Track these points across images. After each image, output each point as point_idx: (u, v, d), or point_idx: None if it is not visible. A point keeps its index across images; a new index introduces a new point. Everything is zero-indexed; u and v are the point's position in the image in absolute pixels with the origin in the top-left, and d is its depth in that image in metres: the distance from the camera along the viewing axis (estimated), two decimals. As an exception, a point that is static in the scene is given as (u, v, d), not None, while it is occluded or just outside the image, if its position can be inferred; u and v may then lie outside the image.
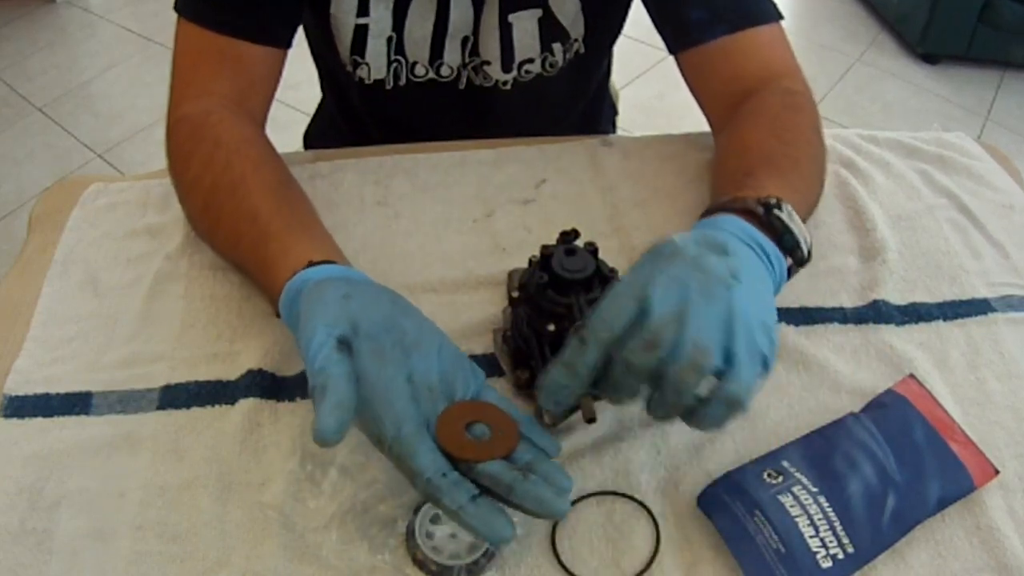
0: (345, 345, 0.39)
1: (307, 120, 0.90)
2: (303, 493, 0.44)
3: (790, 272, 0.46)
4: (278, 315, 0.47)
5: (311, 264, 0.45)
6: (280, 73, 0.62)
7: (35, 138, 1.93)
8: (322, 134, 0.86)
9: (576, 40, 0.67)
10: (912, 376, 0.50)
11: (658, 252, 0.39)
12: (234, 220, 0.51)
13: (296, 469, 0.45)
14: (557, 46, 0.66)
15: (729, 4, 0.59)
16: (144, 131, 1.90)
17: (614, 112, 0.90)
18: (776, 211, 0.45)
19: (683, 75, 0.64)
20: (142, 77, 2.08)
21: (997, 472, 0.45)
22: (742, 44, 0.59)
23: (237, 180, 0.52)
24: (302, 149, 0.88)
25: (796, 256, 0.45)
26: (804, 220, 0.48)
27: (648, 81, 2.00)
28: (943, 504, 0.44)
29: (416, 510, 0.42)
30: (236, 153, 0.54)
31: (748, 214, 0.45)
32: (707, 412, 0.37)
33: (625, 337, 0.36)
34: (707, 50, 0.60)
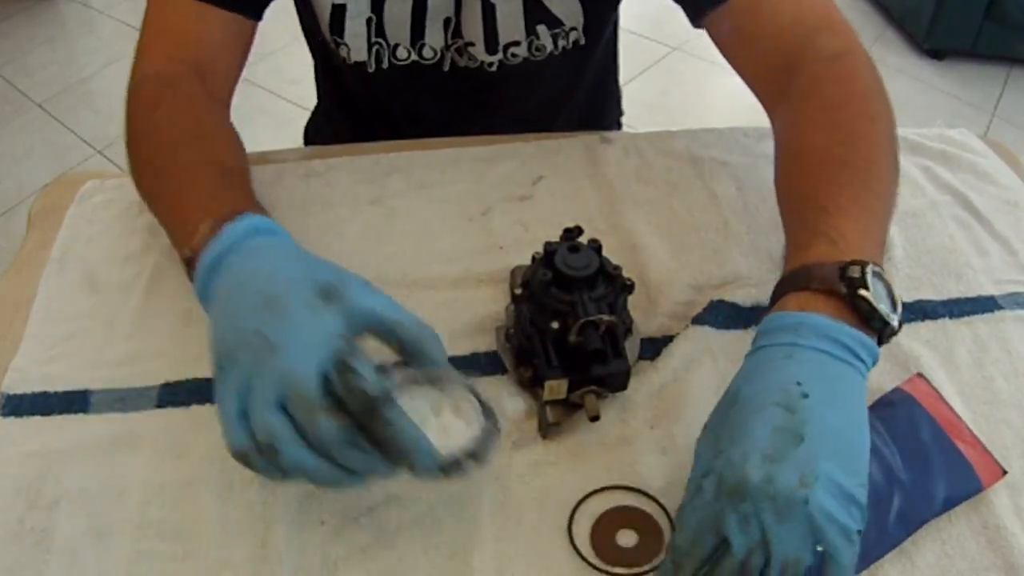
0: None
1: (307, 115, 0.89)
2: (310, 496, 0.44)
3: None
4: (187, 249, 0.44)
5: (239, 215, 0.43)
6: (247, 49, 0.62)
7: (34, 134, 1.92)
8: (320, 130, 0.86)
9: (575, 28, 0.66)
10: (920, 375, 0.50)
11: (721, 484, 0.36)
12: (199, 163, 0.50)
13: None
14: (543, 29, 0.65)
15: None
16: (144, 127, 1.90)
17: (620, 112, 0.89)
18: (863, 291, 0.40)
19: (719, 50, 0.60)
20: None
21: (1005, 472, 0.45)
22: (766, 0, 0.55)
23: (208, 132, 0.53)
24: (302, 145, 0.88)
25: (884, 334, 0.41)
26: (886, 233, 0.45)
27: (651, 78, 2.00)
28: (950, 504, 0.43)
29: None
30: (208, 114, 0.55)
31: (829, 296, 0.41)
32: None
33: (713, 563, 0.37)
34: (728, 12, 0.56)
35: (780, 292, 0.43)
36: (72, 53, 2.20)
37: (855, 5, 2.40)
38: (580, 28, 0.66)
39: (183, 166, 0.50)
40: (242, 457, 0.36)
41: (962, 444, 0.46)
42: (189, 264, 0.43)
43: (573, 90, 0.76)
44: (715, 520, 0.36)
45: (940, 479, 0.44)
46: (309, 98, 0.84)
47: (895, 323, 0.41)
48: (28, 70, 2.12)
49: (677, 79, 2.04)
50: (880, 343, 0.42)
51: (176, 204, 0.48)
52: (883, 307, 0.40)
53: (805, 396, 0.37)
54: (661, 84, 1.99)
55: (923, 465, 0.44)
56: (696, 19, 0.61)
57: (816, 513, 0.35)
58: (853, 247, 0.43)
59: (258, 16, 0.61)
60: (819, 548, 0.36)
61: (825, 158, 0.49)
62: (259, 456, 0.35)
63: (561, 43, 0.66)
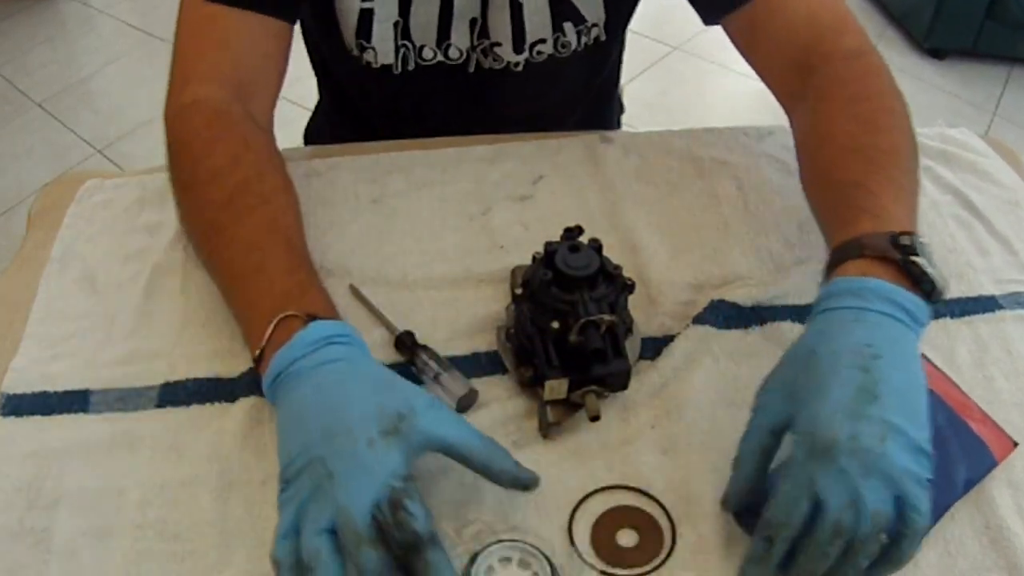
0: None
1: (307, 115, 0.89)
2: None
3: None
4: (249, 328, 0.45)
5: (310, 319, 0.43)
6: (287, 55, 0.60)
7: (34, 134, 1.92)
8: (320, 130, 0.86)
9: (596, 25, 0.66)
10: (924, 357, 0.50)
11: (813, 445, 0.39)
12: (263, 231, 0.49)
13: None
14: (568, 26, 0.65)
15: None
16: (144, 126, 1.90)
17: (621, 110, 0.90)
18: (913, 256, 0.43)
19: (735, 45, 0.62)
20: (142, 72, 2.08)
21: (1016, 444, 0.46)
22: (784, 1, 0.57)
23: (269, 193, 0.51)
24: (302, 145, 0.88)
25: (932, 298, 0.44)
26: (917, 213, 0.48)
27: (651, 77, 2.00)
28: (969, 486, 0.44)
29: (471, 562, 0.41)
30: (268, 163, 0.53)
31: (884, 262, 0.44)
32: (905, 550, 0.38)
33: (806, 531, 0.38)
34: (747, 13, 0.58)
35: (836, 262, 0.46)
36: (72, 52, 2.20)
37: (856, 4, 2.40)
38: (601, 24, 0.66)
39: (249, 240, 0.48)
40: (276, 566, 0.38)
41: (973, 423, 0.46)
42: (256, 361, 0.44)
43: (590, 87, 0.76)
44: (809, 483, 0.38)
45: (959, 463, 0.44)
46: (309, 97, 0.84)
47: (943, 285, 0.44)
48: (28, 69, 2.12)
49: (677, 79, 2.04)
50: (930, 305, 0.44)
51: (242, 288, 0.48)
52: (932, 271, 0.43)
53: (876, 357, 0.40)
54: (661, 84, 1.98)
55: (941, 450, 0.44)
56: (711, 19, 0.62)
57: (895, 464, 0.38)
58: (895, 220, 0.46)
59: (293, 18, 0.60)
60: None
61: (854, 145, 0.51)
62: (292, 572, 0.37)
63: (584, 39, 0.66)
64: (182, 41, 0.58)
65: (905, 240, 0.44)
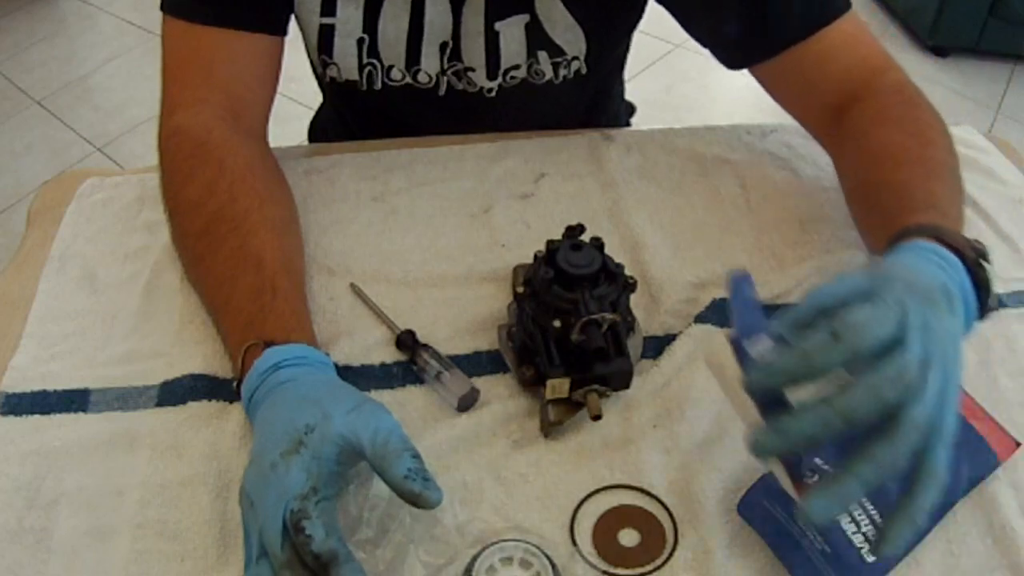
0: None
1: (308, 113, 0.89)
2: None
3: None
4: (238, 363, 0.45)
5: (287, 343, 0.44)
6: (279, 67, 0.60)
7: (34, 131, 1.92)
8: (324, 128, 0.85)
9: (576, 58, 0.64)
10: None
11: (912, 284, 0.36)
12: (235, 260, 0.49)
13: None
14: (543, 55, 0.63)
15: (786, 8, 0.54)
16: (144, 124, 1.90)
17: (631, 110, 0.88)
18: (983, 261, 0.42)
19: (765, 88, 0.60)
20: (142, 70, 2.07)
21: (1019, 444, 0.46)
22: (824, 45, 0.55)
23: (241, 215, 0.50)
24: (306, 142, 0.88)
25: (984, 312, 0.43)
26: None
27: (655, 74, 1.99)
28: (973, 483, 0.44)
29: (472, 561, 0.41)
30: (241, 183, 0.52)
31: (957, 252, 0.42)
32: (917, 494, 0.34)
33: (872, 358, 0.34)
34: (785, 59, 0.56)
35: (909, 234, 0.44)
36: (72, 50, 2.20)
37: (859, 2, 2.38)
38: (582, 58, 0.65)
39: (219, 272, 0.49)
40: None
41: (975, 422, 0.46)
42: (238, 394, 0.46)
43: (571, 113, 0.74)
44: (901, 309, 0.34)
45: (962, 461, 0.44)
46: (309, 95, 0.83)
47: (993, 303, 0.43)
48: (27, 67, 2.12)
49: (680, 76, 2.03)
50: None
51: (218, 320, 0.50)
52: (994, 283, 0.42)
53: (952, 300, 0.39)
54: (664, 81, 1.98)
55: None
56: (740, 66, 0.60)
57: (953, 382, 0.35)
58: (958, 224, 0.46)
59: (284, 31, 0.59)
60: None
61: (910, 158, 0.51)
62: None
63: (563, 72, 0.65)
64: (168, 66, 0.57)
65: (979, 245, 0.43)
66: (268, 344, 0.44)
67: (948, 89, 2.07)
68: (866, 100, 0.55)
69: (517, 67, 0.64)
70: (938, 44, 2.16)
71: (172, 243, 0.55)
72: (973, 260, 0.42)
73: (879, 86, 0.56)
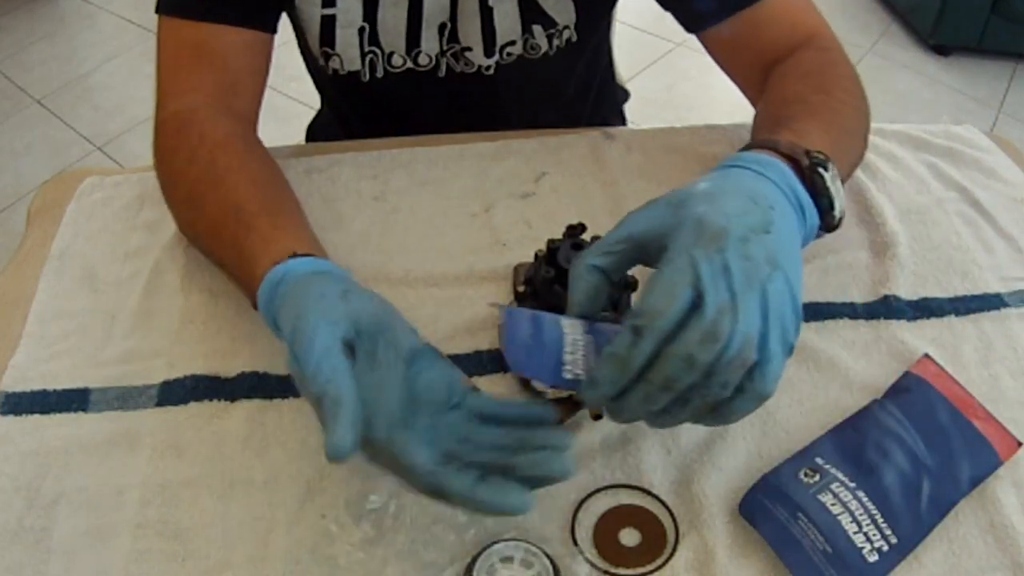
0: (350, 347, 0.38)
1: (309, 112, 0.89)
2: (313, 496, 0.44)
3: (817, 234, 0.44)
4: (255, 307, 0.45)
5: (294, 256, 0.44)
6: (268, 63, 0.61)
7: (33, 130, 1.92)
8: (322, 133, 0.85)
9: (567, 27, 0.66)
10: (928, 356, 0.50)
11: (701, 228, 0.36)
12: (217, 213, 0.49)
13: (297, 474, 0.44)
14: (538, 28, 0.65)
15: None
16: (144, 123, 1.89)
17: (626, 96, 0.89)
18: (821, 169, 0.43)
19: (708, 51, 0.64)
20: (142, 68, 2.07)
21: (1020, 444, 0.46)
22: (765, 13, 0.58)
23: (221, 173, 0.51)
24: (304, 142, 0.87)
25: (826, 220, 0.43)
26: (845, 179, 0.47)
27: (656, 73, 1.99)
28: (975, 483, 0.44)
29: (472, 561, 0.41)
30: (221, 148, 0.53)
31: (792, 161, 0.43)
32: (735, 407, 0.35)
33: (678, 329, 0.34)
34: (727, 28, 0.59)
35: (745, 149, 0.45)
36: (72, 49, 2.20)
37: (860, 1, 2.39)
38: (572, 26, 0.66)
39: (209, 231, 0.51)
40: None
41: (977, 421, 0.46)
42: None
43: (567, 86, 0.75)
44: (692, 268, 0.34)
45: (963, 460, 0.44)
46: (310, 94, 0.83)
47: (837, 217, 0.43)
48: (27, 66, 2.12)
49: (681, 75, 2.03)
50: (819, 232, 0.44)
51: (224, 271, 0.51)
52: (833, 188, 0.42)
53: (771, 208, 0.38)
54: (665, 80, 1.98)
55: (945, 448, 0.44)
56: (692, 29, 0.63)
57: (773, 297, 0.35)
58: (815, 144, 0.45)
59: (273, 28, 0.60)
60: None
61: (797, 98, 0.53)
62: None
63: (556, 43, 0.66)
64: (162, 62, 0.58)
65: (818, 155, 0.43)
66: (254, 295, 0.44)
67: (950, 88, 2.07)
68: (787, 60, 0.58)
69: (513, 43, 0.65)
70: (940, 43, 2.15)
71: (175, 226, 0.57)
72: (807, 166, 0.42)
73: (804, 47, 0.58)
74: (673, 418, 0.36)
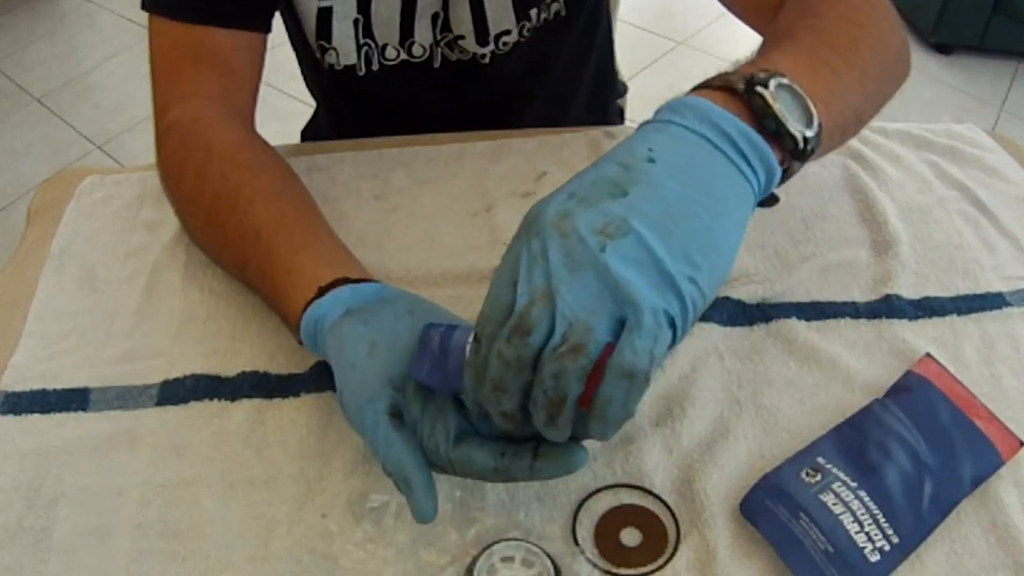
0: (397, 414, 0.38)
1: (308, 111, 0.88)
2: (313, 496, 0.44)
3: (788, 170, 0.38)
4: (300, 343, 0.46)
5: (320, 292, 0.44)
6: (262, 62, 0.61)
7: (33, 129, 1.92)
8: (316, 134, 0.85)
9: (555, 0, 0.65)
10: (929, 355, 0.50)
11: (523, 221, 0.33)
12: (239, 240, 0.49)
13: (297, 473, 0.44)
14: (534, 12, 0.65)
15: None
16: (144, 122, 1.89)
17: (624, 89, 0.88)
18: (760, 88, 0.35)
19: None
20: (142, 67, 2.05)
21: (1022, 443, 0.45)
22: None
23: (234, 191, 0.51)
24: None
25: (783, 144, 0.36)
26: (848, 119, 0.41)
27: (657, 71, 1.98)
28: (977, 483, 0.44)
29: (473, 561, 0.41)
30: (230, 162, 0.52)
31: (730, 93, 0.36)
32: (602, 394, 0.31)
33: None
34: None
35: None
36: (72, 47, 2.20)
37: None
38: (562, 1, 0.66)
39: (233, 257, 0.51)
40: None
41: (979, 421, 0.46)
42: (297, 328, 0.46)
43: (561, 70, 0.74)
44: (512, 265, 0.32)
45: (965, 460, 0.44)
46: (307, 92, 0.83)
47: (798, 137, 0.36)
48: (27, 64, 2.12)
49: (682, 74, 2.03)
50: (787, 162, 0.37)
51: (262, 298, 0.51)
52: (779, 106, 0.35)
53: (651, 161, 0.33)
54: (666, 78, 1.97)
55: (947, 448, 0.44)
56: None
57: (614, 270, 0.30)
58: (783, 69, 0.38)
59: (268, 27, 0.60)
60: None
61: (785, 31, 0.45)
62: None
63: (543, 16, 0.66)
64: (156, 65, 0.58)
65: (759, 75, 0.36)
66: (298, 315, 0.44)
67: (951, 87, 2.07)
68: None
69: (508, 32, 0.65)
70: (941, 41, 2.15)
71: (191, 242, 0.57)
72: (742, 90, 0.36)
73: None
74: (550, 425, 0.32)
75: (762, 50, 0.44)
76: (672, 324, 0.31)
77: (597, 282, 0.31)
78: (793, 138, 0.36)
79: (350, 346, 0.40)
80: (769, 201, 0.41)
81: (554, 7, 0.66)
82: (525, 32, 0.66)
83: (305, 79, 0.80)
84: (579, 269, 0.31)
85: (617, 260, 0.31)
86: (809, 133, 0.37)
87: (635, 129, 0.37)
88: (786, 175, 0.38)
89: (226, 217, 0.50)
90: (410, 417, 0.38)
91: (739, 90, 0.36)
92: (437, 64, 0.67)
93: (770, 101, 0.36)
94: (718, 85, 0.37)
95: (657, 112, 0.37)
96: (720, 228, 0.33)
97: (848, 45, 0.44)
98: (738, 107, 0.36)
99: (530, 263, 0.31)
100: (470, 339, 0.34)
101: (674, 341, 0.32)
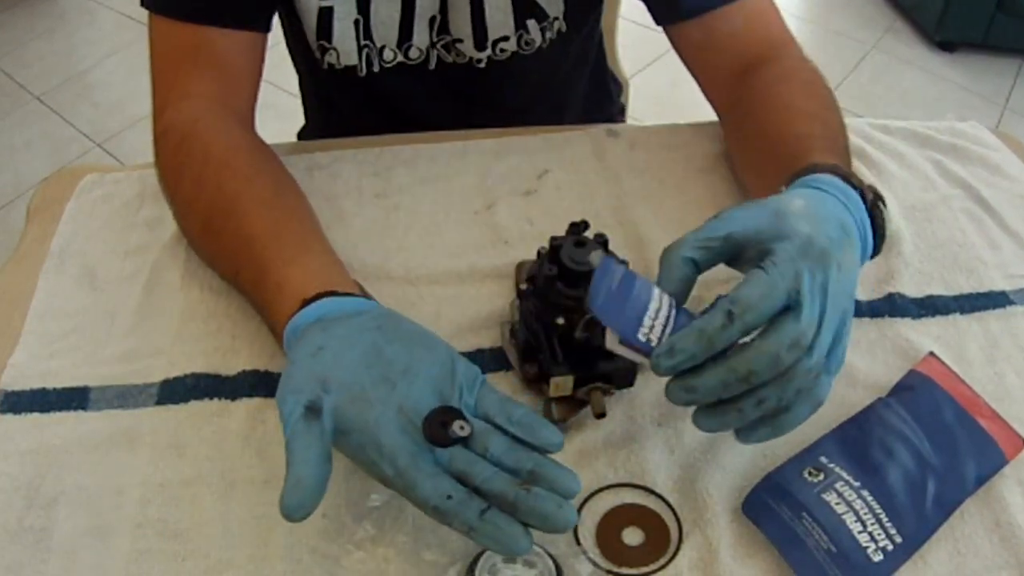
0: (313, 409, 0.38)
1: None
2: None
3: None
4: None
5: (303, 304, 0.44)
6: (262, 62, 0.61)
7: (33, 127, 1.92)
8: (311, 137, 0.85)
9: (557, 18, 0.65)
10: (932, 354, 0.50)
11: (810, 245, 0.39)
12: (233, 249, 0.50)
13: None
14: (532, 23, 0.64)
15: None
16: (144, 120, 1.88)
17: (620, 89, 0.88)
18: (881, 204, 0.45)
19: (675, 48, 0.63)
20: (142, 65, 2.03)
21: None
22: (738, 15, 0.58)
23: (231, 199, 0.51)
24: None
25: (878, 249, 0.46)
26: None
27: (659, 70, 1.98)
28: (980, 482, 0.44)
29: (474, 561, 0.40)
30: (227, 168, 0.52)
31: (859, 191, 0.45)
32: (795, 412, 0.38)
33: (769, 327, 0.37)
34: (702, 23, 0.59)
35: (811, 170, 0.45)
36: (72, 45, 2.19)
37: (865, -2, 2.38)
38: (562, 16, 0.66)
39: (228, 264, 0.51)
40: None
41: (982, 420, 0.46)
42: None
43: (556, 75, 0.75)
44: (795, 277, 0.37)
45: (969, 459, 0.44)
46: (309, 90, 0.83)
47: (882, 248, 0.46)
48: (27, 62, 2.11)
49: (684, 72, 2.02)
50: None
51: (254, 308, 0.51)
52: (887, 228, 0.45)
53: (854, 241, 0.42)
54: (669, 76, 1.96)
55: (951, 447, 0.44)
56: (664, 21, 0.63)
57: (848, 316, 0.39)
58: (855, 173, 0.46)
59: (268, 27, 0.60)
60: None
61: (812, 113, 0.54)
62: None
63: (548, 35, 0.66)
64: (156, 64, 0.58)
65: (880, 192, 0.45)
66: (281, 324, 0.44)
67: (955, 85, 2.06)
68: (772, 63, 0.58)
69: (506, 38, 0.65)
70: (945, 39, 2.15)
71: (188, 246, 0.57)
72: (871, 200, 0.44)
73: (784, 54, 0.59)
74: (740, 415, 0.38)
75: (811, 134, 0.51)
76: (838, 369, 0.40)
77: (840, 322, 0.39)
78: (880, 249, 0.46)
79: (299, 348, 0.41)
80: None
81: (556, 25, 0.66)
82: (524, 45, 0.66)
83: (301, 84, 0.79)
84: (835, 313, 0.38)
85: (846, 318, 0.40)
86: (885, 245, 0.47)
87: (815, 180, 0.45)
88: None
89: (222, 225, 0.50)
90: (350, 420, 0.38)
91: (869, 199, 0.45)
92: (432, 66, 0.67)
93: (887, 219, 0.46)
94: (855, 184, 0.45)
95: (821, 179, 0.45)
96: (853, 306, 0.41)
97: (837, 123, 0.54)
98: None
99: (813, 290, 0.37)
100: (661, 299, 0.39)
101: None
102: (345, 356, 0.40)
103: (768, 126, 0.55)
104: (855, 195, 0.44)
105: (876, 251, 0.46)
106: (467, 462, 0.38)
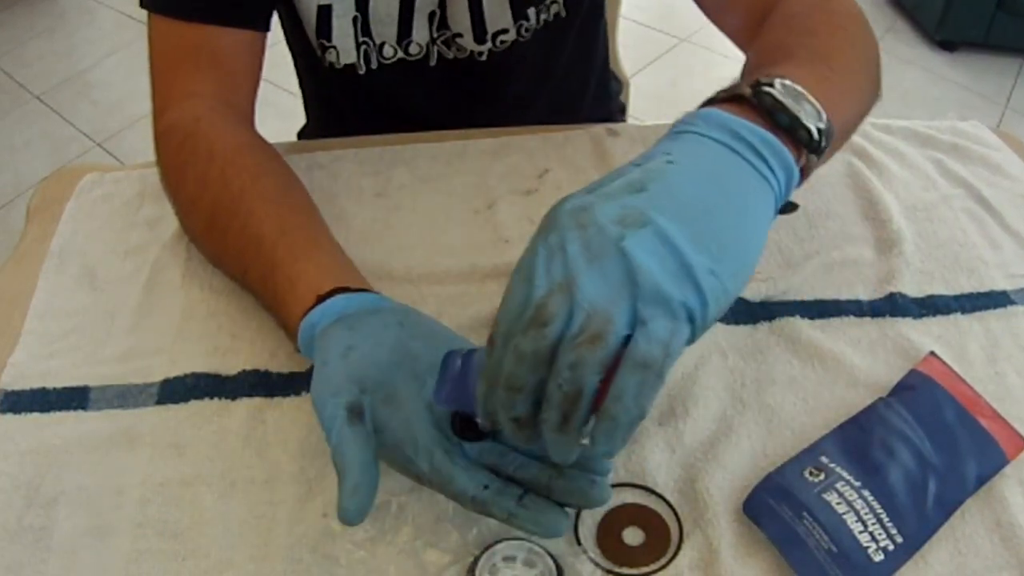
0: (356, 412, 0.38)
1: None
2: (314, 496, 0.43)
3: (805, 168, 0.38)
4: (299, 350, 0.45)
5: (318, 300, 0.44)
6: (262, 60, 0.61)
7: (33, 127, 1.92)
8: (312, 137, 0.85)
9: (555, 1, 0.65)
10: (933, 354, 0.50)
11: (541, 221, 0.33)
12: (240, 247, 0.49)
13: (298, 472, 0.44)
14: (532, 11, 0.64)
15: None
16: (144, 119, 1.88)
17: (620, 88, 0.88)
18: (766, 87, 0.37)
19: (699, 5, 0.59)
20: (142, 64, 2.03)
21: None
22: None
23: (236, 197, 0.50)
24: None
25: (798, 138, 0.37)
26: (852, 118, 0.42)
27: (660, 68, 1.98)
28: (981, 482, 0.44)
29: (475, 561, 0.40)
30: (232, 166, 0.52)
31: (737, 101, 0.37)
32: (614, 388, 0.30)
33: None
34: None
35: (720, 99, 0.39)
36: (71, 44, 2.19)
37: (864, -3, 2.38)
38: (561, 1, 0.65)
39: (234, 263, 0.51)
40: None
41: (983, 419, 0.46)
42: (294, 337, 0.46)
43: (556, 64, 0.74)
44: (529, 261, 0.32)
45: (970, 459, 0.44)
46: (309, 89, 0.83)
47: (812, 128, 0.37)
48: (26, 61, 2.11)
49: (685, 71, 2.02)
50: (803, 159, 0.38)
51: (262, 305, 0.50)
52: (788, 100, 0.36)
53: (669, 163, 0.33)
54: (669, 75, 1.97)
55: (952, 447, 0.44)
56: None
57: (633, 258, 0.30)
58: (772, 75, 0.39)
59: (267, 26, 0.60)
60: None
61: (779, 45, 0.46)
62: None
63: (543, 17, 0.66)
64: (156, 64, 0.58)
65: (765, 80, 0.37)
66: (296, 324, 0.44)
67: (956, 84, 2.06)
68: (776, 8, 0.52)
69: (506, 31, 0.64)
70: (946, 39, 2.14)
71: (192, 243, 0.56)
72: (750, 94, 0.37)
73: None
74: (562, 430, 0.31)
75: (755, 66, 0.45)
76: (691, 318, 0.31)
77: (617, 271, 0.30)
78: (807, 129, 0.37)
79: (329, 347, 0.41)
80: (788, 208, 0.42)
81: (553, 8, 0.66)
82: (524, 32, 0.66)
83: (301, 83, 0.79)
84: (598, 259, 0.30)
85: (637, 249, 0.30)
86: (821, 125, 0.38)
87: (677, 126, 0.37)
88: (803, 174, 0.39)
89: (227, 224, 0.50)
90: (383, 421, 0.38)
91: (746, 95, 0.37)
92: (433, 62, 0.67)
93: (779, 97, 0.37)
94: (724, 98, 0.38)
95: (671, 126, 0.37)
96: (742, 225, 0.33)
97: (843, 62, 0.45)
98: (749, 112, 0.36)
99: (548, 257, 0.31)
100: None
101: (692, 336, 0.31)
102: (376, 355, 0.40)
103: (745, 68, 0.49)
104: (710, 112, 0.36)
105: (799, 138, 0.37)
106: (497, 453, 0.38)
